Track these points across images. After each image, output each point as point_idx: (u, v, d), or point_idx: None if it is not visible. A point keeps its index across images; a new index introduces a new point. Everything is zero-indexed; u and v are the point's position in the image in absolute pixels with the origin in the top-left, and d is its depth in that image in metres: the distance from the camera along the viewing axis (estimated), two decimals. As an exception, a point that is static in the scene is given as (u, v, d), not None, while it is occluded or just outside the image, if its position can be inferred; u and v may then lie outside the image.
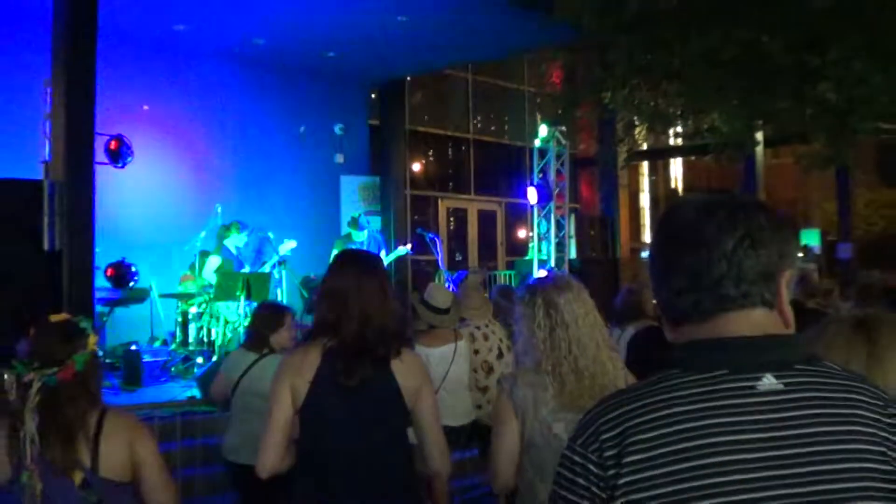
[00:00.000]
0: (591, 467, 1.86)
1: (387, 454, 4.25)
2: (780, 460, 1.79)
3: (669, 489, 1.78)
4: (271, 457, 4.16)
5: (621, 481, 1.81)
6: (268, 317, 7.35)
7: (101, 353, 5.16)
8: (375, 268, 4.50)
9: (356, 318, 4.21)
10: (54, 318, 4.11)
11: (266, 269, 14.01)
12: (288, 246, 14.19)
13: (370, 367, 4.17)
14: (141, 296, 13.71)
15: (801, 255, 15.69)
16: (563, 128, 19.46)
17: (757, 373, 1.87)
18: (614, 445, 1.84)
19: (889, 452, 1.83)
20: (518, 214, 24.88)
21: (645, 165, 37.76)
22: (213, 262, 13.47)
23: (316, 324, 4.39)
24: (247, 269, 13.58)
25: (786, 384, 1.86)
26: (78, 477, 3.82)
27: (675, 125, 19.96)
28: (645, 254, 33.27)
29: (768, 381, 1.86)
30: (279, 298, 13.70)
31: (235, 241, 13.75)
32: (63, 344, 3.98)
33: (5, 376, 3.93)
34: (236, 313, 12.49)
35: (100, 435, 3.92)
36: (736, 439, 1.80)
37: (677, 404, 1.85)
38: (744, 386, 1.85)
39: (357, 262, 4.53)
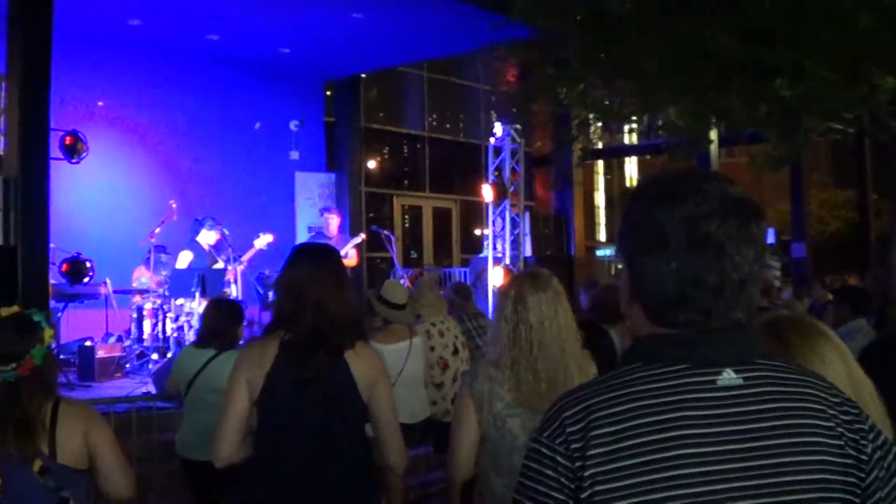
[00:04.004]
0: (560, 458, 1.88)
1: (343, 445, 4.26)
2: (742, 453, 1.83)
3: (633, 481, 1.81)
4: (226, 446, 4.18)
5: (587, 473, 1.83)
6: (228, 313, 7.34)
7: (54, 348, 5.13)
8: (330, 259, 4.51)
9: (311, 308, 4.22)
10: (5, 311, 4.08)
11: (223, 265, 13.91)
12: (265, 240, 14.04)
13: (326, 358, 4.18)
14: (96, 291, 13.62)
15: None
16: (518, 126, 19.48)
17: (718, 367, 1.90)
18: (579, 439, 1.86)
19: (846, 447, 1.87)
20: (473, 212, 24.81)
21: (600, 164, 37.92)
22: (185, 256, 13.38)
23: (273, 317, 4.42)
24: (220, 265, 13.52)
25: (745, 378, 1.90)
26: (37, 465, 3.82)
27: (630, 123, 20.01)
28: (602, 252, 33.38)
29: (728, 376, 1.89)
30: (234, 295, 13.65)
31: (206, 237, 13.65)
32: (19, 339, 3.96)
33: None
34: (192, 309, 12.45)
35: (55, 423, 3.93)
36: (699, 433, 1.83)
37: (640, 398, 1.87)
38: (705, 380, 1.88)
39: (312, 254, 4.54)
